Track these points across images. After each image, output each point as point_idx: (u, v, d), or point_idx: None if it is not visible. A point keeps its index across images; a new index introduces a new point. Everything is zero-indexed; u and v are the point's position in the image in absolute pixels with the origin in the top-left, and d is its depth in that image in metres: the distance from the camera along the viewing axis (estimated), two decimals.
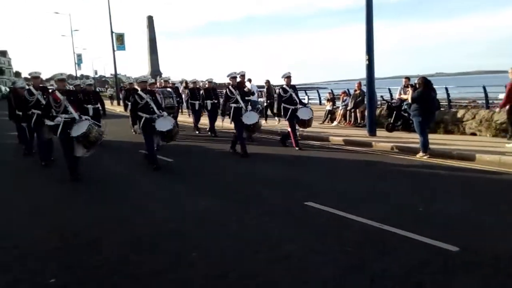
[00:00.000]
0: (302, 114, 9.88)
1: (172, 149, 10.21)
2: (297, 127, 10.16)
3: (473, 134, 10.88)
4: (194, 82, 15.02)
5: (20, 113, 9.73)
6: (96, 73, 39.17)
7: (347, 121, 14.52)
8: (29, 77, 9.48)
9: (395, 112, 12.18)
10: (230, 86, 9.78)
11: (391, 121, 12.15)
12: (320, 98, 23.22)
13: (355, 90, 14.37)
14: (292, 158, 9.25)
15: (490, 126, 10.52)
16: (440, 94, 12.55)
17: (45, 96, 9.61)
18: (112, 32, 31.84)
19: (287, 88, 10.01)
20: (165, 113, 8.10)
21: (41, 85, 9.70)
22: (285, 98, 9.97)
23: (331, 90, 17.79)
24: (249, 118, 9.36)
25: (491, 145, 9.20)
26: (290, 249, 4.19)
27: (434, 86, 8.90)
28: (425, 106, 8.34)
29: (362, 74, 11.52)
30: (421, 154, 8.56)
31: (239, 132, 9.44)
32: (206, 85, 14.14)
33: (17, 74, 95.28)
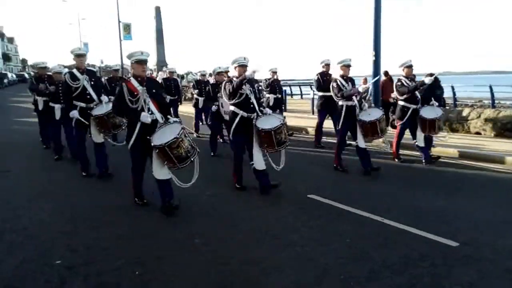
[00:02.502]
0: (427, 113, 7.43)
1: None
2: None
3: (478, 133, 10.89)
4: (204, 75, 12.19)
5: (55, 105, 8.00)
6: (102, 62, 39.23)
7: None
8: (33, 64, 8.98)
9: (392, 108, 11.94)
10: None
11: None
12: None
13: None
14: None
15: (495, 125, 10.52)
16: (447, 93, 12.51)
17: (113, 85, 9.15)
18: (119, 21, 31.86)
19: (407, 81, 7.56)
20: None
21: (49, 73, 8.65)
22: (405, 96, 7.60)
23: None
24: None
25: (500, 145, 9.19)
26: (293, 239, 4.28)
27: (442, 85, 8.88)
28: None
29: (369, 70, 11.38)
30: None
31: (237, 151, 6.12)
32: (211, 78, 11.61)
33: (24, 61, 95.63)
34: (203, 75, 12.15)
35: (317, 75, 9.39)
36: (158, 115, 4.94)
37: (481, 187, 6.29)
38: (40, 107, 8.80)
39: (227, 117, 7.43)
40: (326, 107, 9.19)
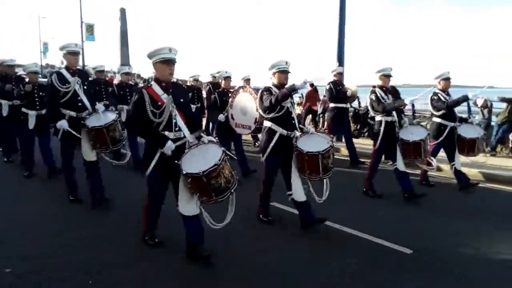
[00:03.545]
0: (467, 131, 6.54)
1: None
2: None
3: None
4: (196, 80, 10.67)
5: (29, 111, 6.71)
6: (62, 63, 38.04)
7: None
8: None
9: (361, 119, 12.44)
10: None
11: (357, 128, 12.43)
12: None
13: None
14: None
15: None
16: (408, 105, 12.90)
17: (98, 89, 8.02)
18: (82, 21, 31.08)
19: (444, 95, 6.59)
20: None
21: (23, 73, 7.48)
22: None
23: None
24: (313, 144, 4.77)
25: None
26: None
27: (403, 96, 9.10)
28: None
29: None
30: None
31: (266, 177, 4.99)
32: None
33: None
34: (196, 80, 10.70)
35: (329, 84, 8.66)
36: (187, 133, 3.88)
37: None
38: (4, 112, 7.52)
39: (239, 131, 7.00)
40: (339, 121, 8.49)
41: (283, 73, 4.72)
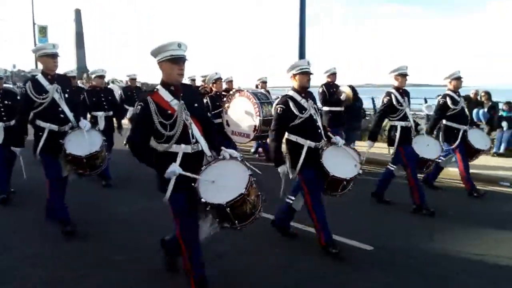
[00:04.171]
0: (476, 139, 6.19)
1: None
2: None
3: None
4: (193, 80, 10.57)
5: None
6: (14, 66, 36.40)
7: None
8: None
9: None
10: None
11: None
12: None
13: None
14: None
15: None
16: (367, 104, 13.13)
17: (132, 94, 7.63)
18: (34, 23, 29.89)
19: (455, 96, 6.21)
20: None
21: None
22: (453, 113, 6.18)
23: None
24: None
25: None
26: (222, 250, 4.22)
27: (362, 96, 9.21)
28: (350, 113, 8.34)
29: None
30: None
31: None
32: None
33: None
34: (193, 80, 10.40)
35: (321, 86, 7.95)
36: (204, 146, 3.19)
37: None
38: None
39: (236, 139, 6.49)
40: (336, 126, 7.43)
41: (305, 75, 4.13)
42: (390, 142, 5.64)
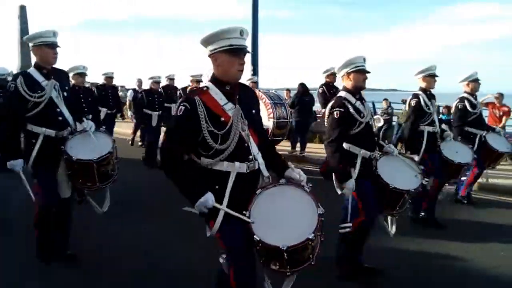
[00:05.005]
0: (497, 143, 5.82)
1: None
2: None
3: None
4: (172, 79, 10.28)
5: None
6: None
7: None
8: None
9: None
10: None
11: None
12: None
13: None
14: None
15: None
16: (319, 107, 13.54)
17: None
18: None
19: (472, 99, 5.86)
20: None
21: None
22: (472, 118, 5.82)
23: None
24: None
25: None
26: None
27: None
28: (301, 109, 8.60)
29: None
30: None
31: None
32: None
33: None
34: (172, 79, 10.16)
35: (321, 87, 7.62)
36: (262, 164, 2.50)
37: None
38: None
39: None
40: None
41: (362, 73, 3.58)
42: (415, 149, 4.99)
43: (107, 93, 9.09)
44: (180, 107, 2.35)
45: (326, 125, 3.69)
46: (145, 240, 4.55)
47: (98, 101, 8.26)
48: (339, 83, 3.75)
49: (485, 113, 9.22)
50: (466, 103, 5.74)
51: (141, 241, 4.53)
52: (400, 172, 3.64)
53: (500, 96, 9.97)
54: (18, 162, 3.57)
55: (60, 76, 3.87)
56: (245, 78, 8.59)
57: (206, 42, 2.39)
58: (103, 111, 8.45)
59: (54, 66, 3.79)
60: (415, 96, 5.06)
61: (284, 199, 2.43)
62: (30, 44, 3.67)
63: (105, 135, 3.94)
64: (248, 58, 7.60)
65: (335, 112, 3.51)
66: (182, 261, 4.02)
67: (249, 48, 2.33)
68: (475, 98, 5.86)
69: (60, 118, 3.69)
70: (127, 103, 10.82)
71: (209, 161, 2.36)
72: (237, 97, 2.45)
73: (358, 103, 3.57)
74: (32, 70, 3.69)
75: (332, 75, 7.56)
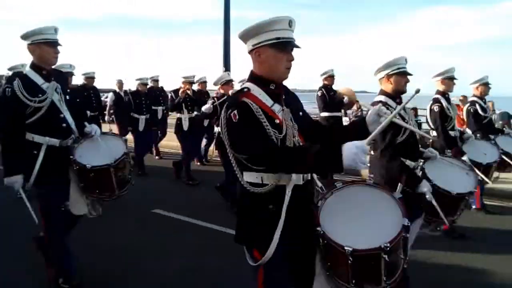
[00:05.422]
0: (508, 146, 5.16)
1: None
2: None
3: None
4: (156, 80, 9.70)
5: None
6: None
7: None
8: None
9: None
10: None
11: None
12: None
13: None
14: None
15: None
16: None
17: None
18: None
19: (482, 103, 5.67)
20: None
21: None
22: (483, 122, 5.64)
23: None
24: None
25: None
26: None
27: None
28: None
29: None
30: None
31: None
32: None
33: None
34: (156, 81, 9.60)
35: (320, 89, 7.32)
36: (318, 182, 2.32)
37: None
38: None
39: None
40: None
41: (404, 76, 3.28)
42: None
43: (89, 94, 8.32)
44: (228, 113, 1.98)
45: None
46: (120, 241, 4.64)
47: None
48: (377, 86, 3.30)
49: None
50: (477, 106, 5.57)
51: (115, 242, 4.60)
52: (452, 175, 3.28)
53: (465, 98, 10.24)
54: (18, 179, 3.08)
55: (60, 77, 3.41)
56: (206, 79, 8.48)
57: (246, 35, 2.07)
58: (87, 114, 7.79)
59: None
60: (436, 100, 4.85)
61: (358, 199, 2.13)
62: (27, 42, 3.19)
63: (114, 137, 3.65)
64: (221, 59, 7.72)
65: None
66: (157, 263, 4.14)
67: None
68: (484, 102, 5.75)
69: (64, 125, 3.25)
70: (108, 106, 9.83)
71: (269, 176, 1.98)
72: (283, 97, 2.14)
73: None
74: (29, 71, 3.22)
75: (331, 77, 7.37)
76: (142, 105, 8.27)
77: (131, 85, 9.31)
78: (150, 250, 4.42)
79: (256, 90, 2.06)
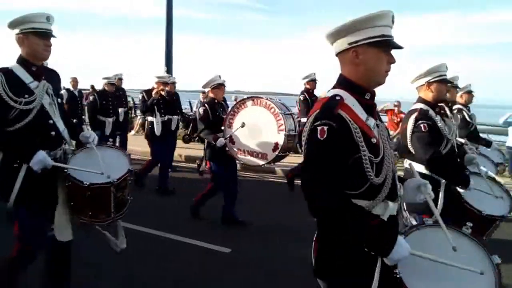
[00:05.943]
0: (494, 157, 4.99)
1: None
2: None
3: None
4: (120, 79, 9.06)
5: None
6: None
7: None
8: None
9: (192, 124, 11.84)
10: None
11: (188, 133, 12.06)
12: None
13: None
14: None
15: None
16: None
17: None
18: None
19: (466, 111, 5.55)
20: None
21: None
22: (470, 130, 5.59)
23: None
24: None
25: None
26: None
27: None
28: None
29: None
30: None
31: None
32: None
33: None
34: (120, 80, 8.94)
35: (302, 94, 7.07)
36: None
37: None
38: None
39: (245, 160, 5.07)
40: None
41: (445, 83, 3.11)
42: None
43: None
44: (320, 126, 1.60)
45: (408, 143, 3.03)
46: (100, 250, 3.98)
47: None
48: (415, 95, 3.15)
49: (384, 119, 10.43)
50: (465, 114, 5.50)
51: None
52: (485, 194, 3.05)
53: (399, 103, 11.44)
54: (39, 154, 2.56)
55: (51, 77, 2.87)
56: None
57: (344, 31, 1.70)
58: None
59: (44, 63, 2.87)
60: (460, 111, 4.98)
61: (439, 245, 1.74)
62: (15, 31, 2.65)
63: (115, 150, 3.16)
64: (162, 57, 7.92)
65: (422, 126, 2.89)
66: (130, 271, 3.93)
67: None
68: (469, 110, 5.73)
69: (53, 132, 2.72)
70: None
71: (367, 203, 1.68)
72: (375, 109, 1.82)
73: (438, 118, 3.03)
74: (15, 67, 2.68)
75: (313, 82, 7.18)
76: (109, 107, 7.55)
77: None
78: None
79: (350, 100, 1.70)
